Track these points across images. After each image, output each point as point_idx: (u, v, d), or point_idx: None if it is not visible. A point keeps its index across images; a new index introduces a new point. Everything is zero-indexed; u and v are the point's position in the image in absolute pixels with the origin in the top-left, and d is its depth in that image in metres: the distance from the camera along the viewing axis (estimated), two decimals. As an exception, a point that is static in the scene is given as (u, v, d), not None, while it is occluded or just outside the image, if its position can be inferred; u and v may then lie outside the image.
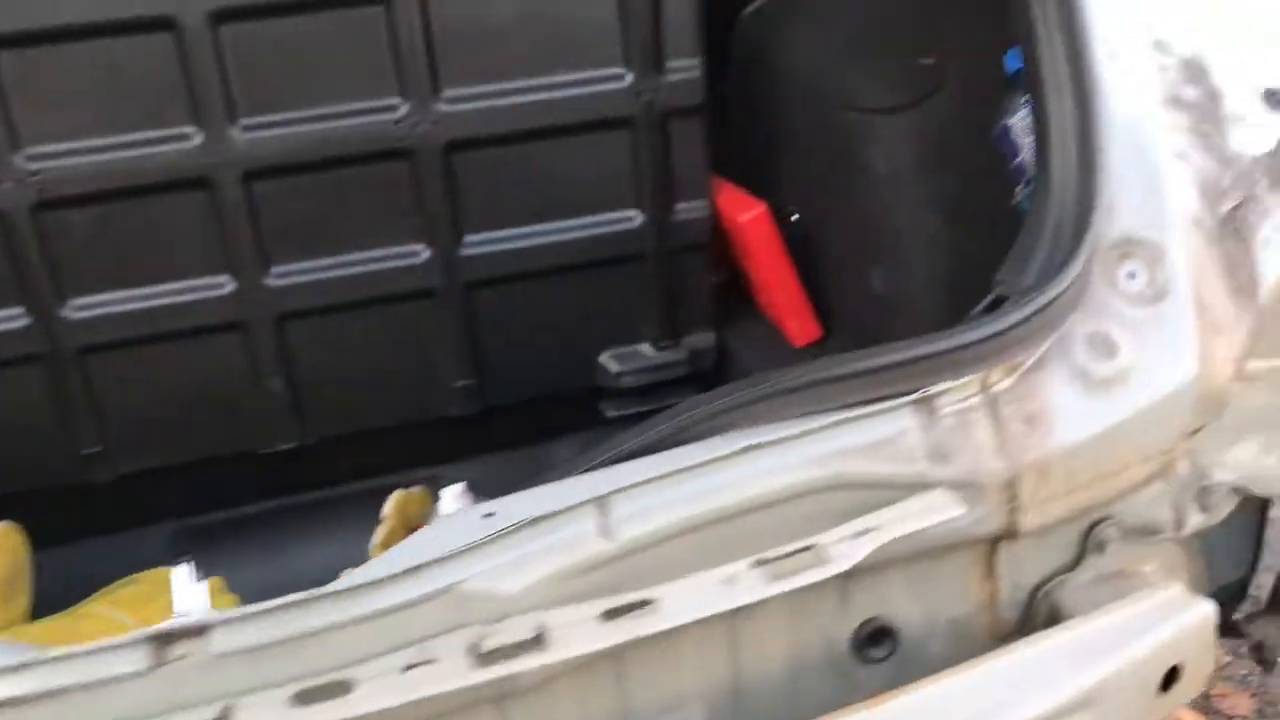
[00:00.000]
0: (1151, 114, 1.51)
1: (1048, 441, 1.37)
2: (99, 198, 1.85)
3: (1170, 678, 1.36)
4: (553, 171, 2.06)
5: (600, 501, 1.21)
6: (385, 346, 2.11)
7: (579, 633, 1.12)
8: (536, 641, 1.11)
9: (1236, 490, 1.61)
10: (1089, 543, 1.47)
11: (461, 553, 1.15)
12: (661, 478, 1.23)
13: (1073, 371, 1.40)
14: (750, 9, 2.35)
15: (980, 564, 1.45)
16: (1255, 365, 1.57)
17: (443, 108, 1.95)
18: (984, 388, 1.37)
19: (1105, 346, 1.41)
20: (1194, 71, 1.58)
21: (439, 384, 2.16)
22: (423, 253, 2.05)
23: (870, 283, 2.08)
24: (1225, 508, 1.61)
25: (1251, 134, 1.56)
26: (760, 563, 1.18)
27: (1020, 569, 1.46)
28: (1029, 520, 1.38)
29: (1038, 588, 1.48)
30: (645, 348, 2.25)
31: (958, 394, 1.35)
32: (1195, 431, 1.50)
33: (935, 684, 1.29)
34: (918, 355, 1.34)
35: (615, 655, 1.27)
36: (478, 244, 2.07)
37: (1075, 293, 1.39)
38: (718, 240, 2.21)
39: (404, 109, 1.94)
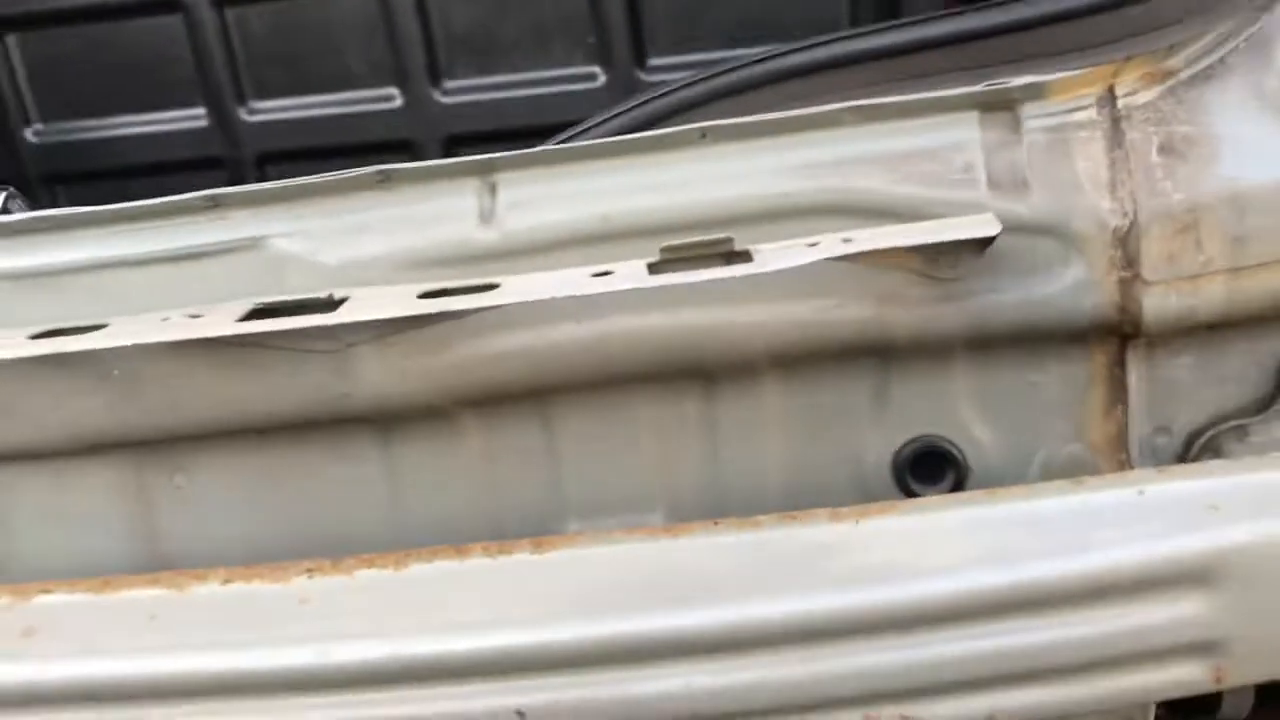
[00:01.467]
0: None
1: (1199, 180, 0.89)
2: None
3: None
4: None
5: (487, 172, 0.92)
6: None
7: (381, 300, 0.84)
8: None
9: None
10: (1291, 375, 0.95)
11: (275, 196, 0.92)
12: (567, 158, 0.92)
13: (1264, 88, 0.91)
14: None
15: (1100, 383, 0.97)
16: None
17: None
18: (1106, 97, 0.92)
19: (1329, 55, 0.90)
20: None
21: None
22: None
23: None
24: None
25: None
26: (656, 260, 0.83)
27: (1169, 400, 0.97)
28: (1159, 302, 0.90)
29: (1197, 434, 0.97)
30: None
31: (1058, 101, 0.91)
32: None
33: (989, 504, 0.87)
34: (995, 25, 0.92)
35: (545, 424, 0.98)
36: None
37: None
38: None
39: None
